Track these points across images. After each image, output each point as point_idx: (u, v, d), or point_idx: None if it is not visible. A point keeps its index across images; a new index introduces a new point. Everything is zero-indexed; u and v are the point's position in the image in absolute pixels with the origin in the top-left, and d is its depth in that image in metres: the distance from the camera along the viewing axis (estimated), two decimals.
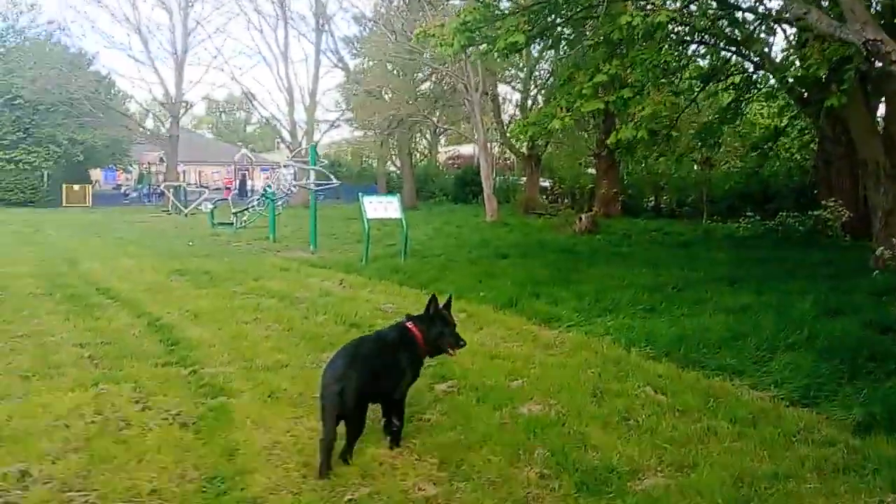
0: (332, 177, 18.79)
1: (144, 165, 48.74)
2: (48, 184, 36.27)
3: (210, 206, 25.02)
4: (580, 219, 19.99)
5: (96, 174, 45.53)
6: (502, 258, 13.56)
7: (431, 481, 3.88)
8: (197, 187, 31.93)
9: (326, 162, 28.08)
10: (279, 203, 21.11)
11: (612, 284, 9.82)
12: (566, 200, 33.13)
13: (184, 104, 40.00)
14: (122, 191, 43.83)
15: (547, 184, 35.89)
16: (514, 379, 5.68)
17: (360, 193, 15.24)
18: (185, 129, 57.00)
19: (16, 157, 35.31)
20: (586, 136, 29.83)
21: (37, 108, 35.56)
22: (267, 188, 21.94)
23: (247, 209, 23.31)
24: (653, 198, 30.19)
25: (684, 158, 25.77)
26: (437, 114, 36.65)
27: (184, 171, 45.68)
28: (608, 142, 12.02)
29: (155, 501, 3.64)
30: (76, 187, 36.88)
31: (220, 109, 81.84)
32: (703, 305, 8.36)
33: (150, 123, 42.41)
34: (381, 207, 14.61)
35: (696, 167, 27.86)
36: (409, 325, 4.46)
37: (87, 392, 5.23)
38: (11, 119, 35.51)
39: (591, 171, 30.95)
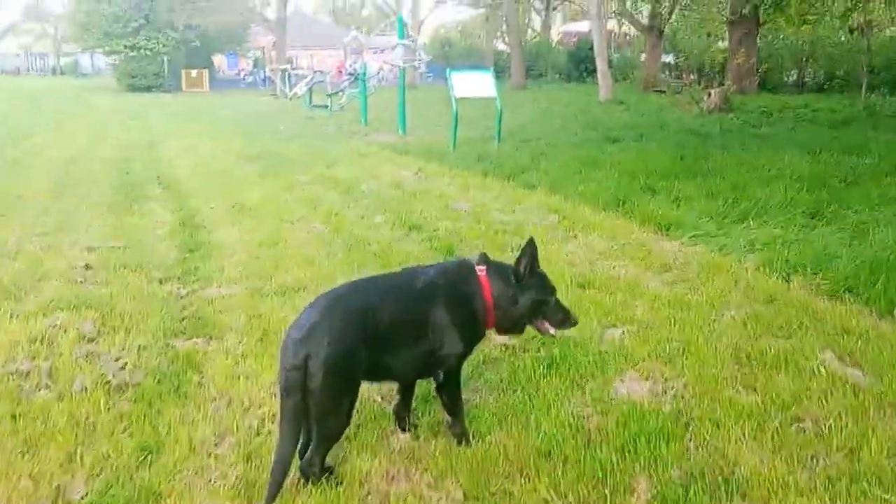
0: (420, 53, 16.94)
1: (261, 51, 48.75)
2: (168, 69, 36.49)
3: (306, 88, 23.94)
4: (709, 94, 17.30)
5: (219, 60, 45.80)
6: (612, 143, 11.46)
7: None
8: (309, 71, 30.80)
9: (417, 37, 26.10)
10: (371, 84, 19.62)
11: (755, 177, 7.62)
12: (692, 76, 29.82)
13: None
14: (241, 76, 43.88)
15: (671, 59, 32.44)
16: (610, 325, 3.81)
17: (447, 70, 13.29)
18: (302, 14, 56.76)
19: (137, 43, 35.55)
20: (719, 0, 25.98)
21: None
22: (359, 68, 20.43)
23: (339, 91, 22.01)
24: (795, 71, 26.47)
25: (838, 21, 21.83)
26: None
27: (296, 56, 45.13)
28: None
29: None
30: (194, 73, 36.99)
31: None
32: None
33: (270, 13, 41.78)
34: (473, 84, 12.95)
35: (848, 34, 23.83)
36: (480, 270, 2.66)
37: (38, 323, 3.94)
38: (132, 5, 35.63)
39: (722, 44, 27.29)
